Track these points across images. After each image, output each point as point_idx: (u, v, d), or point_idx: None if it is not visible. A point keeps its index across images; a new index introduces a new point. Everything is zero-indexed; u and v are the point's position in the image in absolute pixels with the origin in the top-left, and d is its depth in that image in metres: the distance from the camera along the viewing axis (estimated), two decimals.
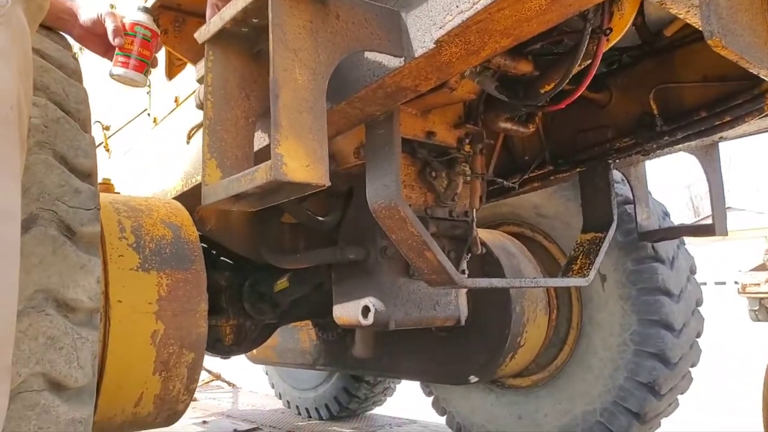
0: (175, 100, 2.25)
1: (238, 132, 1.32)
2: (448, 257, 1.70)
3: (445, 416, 3.33)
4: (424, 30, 1.19)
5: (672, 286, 2.53)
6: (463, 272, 1.99)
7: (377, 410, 4.54)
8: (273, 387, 4.79)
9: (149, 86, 2.44)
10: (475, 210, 2.01)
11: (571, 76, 1.50)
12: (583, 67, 1.52)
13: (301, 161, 1.10)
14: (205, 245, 2.35)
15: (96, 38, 1.53)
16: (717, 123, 1.89)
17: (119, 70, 1.49)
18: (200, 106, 1.70)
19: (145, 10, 1.55)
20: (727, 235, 2.27)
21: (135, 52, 1.49)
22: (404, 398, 4.65)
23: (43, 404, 1.08)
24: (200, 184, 2.04)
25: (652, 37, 1.98)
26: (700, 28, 1.05)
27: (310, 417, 4.40)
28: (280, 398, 4.74)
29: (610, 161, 2.21)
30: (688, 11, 1.16)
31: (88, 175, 1.31)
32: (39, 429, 1.08)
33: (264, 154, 1.45)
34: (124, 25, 1.50)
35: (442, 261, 1.60)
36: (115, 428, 1.90)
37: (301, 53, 1.13)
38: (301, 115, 1.11)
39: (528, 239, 2.93)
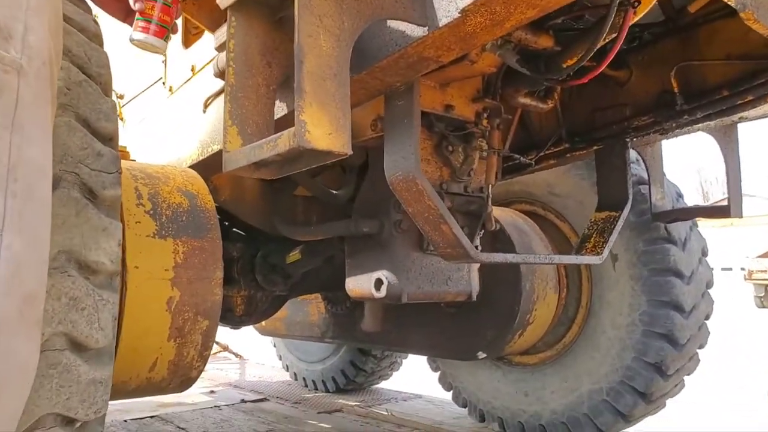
0: (192, 69, 2.24)
1: (259, 99, 1.32)
2: None
3: (451, 391, 3.37)
4: None
5: (683, 268, 2.52)
6: (476, 247, 1.99)
7: (383, 384, 4.60)
8: (280, 359, 4.86)
9: (165, 55, 2.43)
10: (490, 186, 2.00)
11: (595, 50, 1.48)
12: (606, 42, 1.50)
13: (324, 129, 1.10)
14: (218, 216, 2.36)
15: (116, 2, 1.52)
16: (738, 102, 1.87)
17: (140, 35, 1.49)
18: (218, 75, 1.69)
19: None
20: (742, 217, 2.26)
21: (156, 18, 1.48)
22: (409, 374, 4.71)
23: (65, 363, 1.09)
24: (216, 153, 2.07)
25: (675, 13, 1.95)
26: (731, 3, 1.03)
27: (316, 389, 4.47)
28: (287, 370, 4.81)
29: (627, 140, 2.19)
30: None
31: (109, 138, 1.31)
32: (60, 387, 1.10)
33: (283, 123, 1.45)
34: None
35: (458, 235, 1.60)
36: (129, 392, 1.94)
37: (326, 19, 1.12)
38: (324, 83, 1.11)
39: (540, 218, 2.92)
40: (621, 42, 1.44)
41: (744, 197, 2.36)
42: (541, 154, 2.39)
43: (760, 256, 16.57)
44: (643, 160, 2.44)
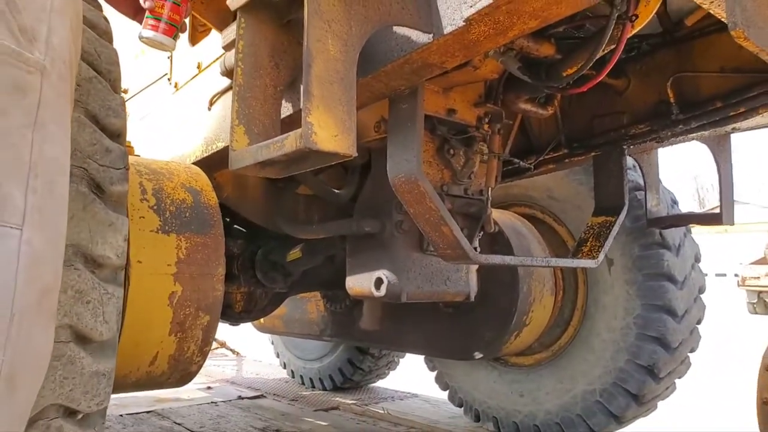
0: (198, 66, 2.27)
1: (266, 100, 1.35)
2: None
3: (447, 391, 3.41)
4: (455, 8, 1.21)
5: (677, 273, 2.57)
6: (475, 249, 2.03)
7: (380, 383, 4.63)
8: (278, 356, 4.88)
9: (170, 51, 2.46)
10: (490, 189, 2.04)
11: (594, 60, 1.52)
12: (606, 52, 1.54)
13: (330, 131, 1.13)
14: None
15: (126, 0, 1.55)
16: (731, 114, 1.92)
17: (149, 33, 1.51)
18: (225, 73, 1.72)
19: None
20: (733, 224, 2.30)
21: (165, 16, 1.50)
22: (406, 373, 4.74)
23: (69, 355, 1.11)
24: (220, 150, 2.09)
25: (672, 25, 2.00)
26: (724, 20, 1.07)
27: (313, 387, 4.49)
28: (284, 368, 4.84)
29: (624, 147, 2.23)
30: (713, 2, 1.18)
31: (118, 135, 1.33)
32: (64, 379, 1.11)
33: (288, 123, 1.48)
34: None
35: (458, 236, 1.63)
36: (129, 386, 1.95)
37: (335, 25, 1.15)
38: (332, 86, 1.14)
39: (538, 221, 2.96)
40: (619, 53, 1.48)
41: (738, 205, 2.40)
42: (541, 158, 2.42)
43: (753, 263, 16.65)
44: (640, 167, 2.49)
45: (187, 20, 2.25)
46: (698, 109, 1.98)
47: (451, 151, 1.92)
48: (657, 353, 2.52)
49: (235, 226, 2.85)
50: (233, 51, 1.47)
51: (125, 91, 3.03)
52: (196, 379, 2.14)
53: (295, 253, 2.62)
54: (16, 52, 0.70)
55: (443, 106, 1.84)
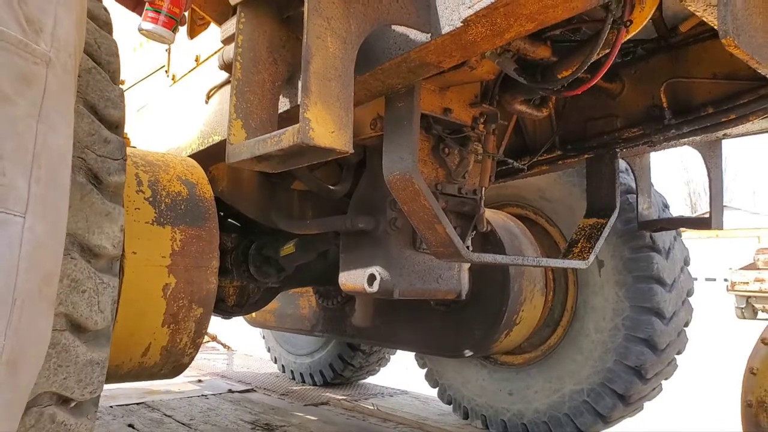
0: (196, 59, 2.27)
1: (264, 95, 1.36)
2: None
3: (436, 388, 3.43)
4: (453, 8, 1.22)
5: (666, 276, 2.60)
6: (467, 248, 2.05)
7: (370, 379, 4.65)
8: (269, 351, 4.89)
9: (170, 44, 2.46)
10: (484, 188, 2.06)
11: (589, 64, 1.54)
12: (600, 56, 1.56)
13: (327, 127, 1.14)
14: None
15: None
16: (723, 120, 1.94)
17: (148, 25, 1.52)
18: (223, 67, 1.73)
19: None
20: (722, 228, 2.34)
21: (165, 9, 1.51)
22: (396, 371, 4.77)
23: (63, 343, 1.12)
24: (216, 143, 2.10)
25: (667, 31, 2.02)
26: (716, 27, 1.09)
27: (303, 382, 4.51)
28: (275, 362, 4.85)
29: (617, 150, 2.26)
30: (706, 9, 1.20)
31: (116, 126, 1.34)
32: (58, 367, 1.12)
33: (285, 118, 1.49)
34: None
35: (451, 235, 1.65)
36: (121, 376, 1.96)
37: (334, 22, 1.17)
38: (330, 83, 1.15)
39: (530, 221, 2.99)
40: (613, 58, 1.50)
41: (730, 210, 2.44)
42: (534, 159, 2.45)
43: (742, 269, 16.81)
44: (632, 171, 2.52)
45: (186, 13, 2.26)
46: (690, 115, 2.01)
47: (446, 150, 1.94)
48: (644, 354, 2.55)
49: (229, 220, 2.86)
50: (232, 45, 1.48)
51: (122, 82, 3.03)
52: (186, 372, 2.15)
53: (288, 248, 2.63)
54: (22, 42, 0.71)
55: (439, 105, 1.86)
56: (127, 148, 2.15)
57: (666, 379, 2.77)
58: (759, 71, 1.14)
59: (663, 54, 2.08)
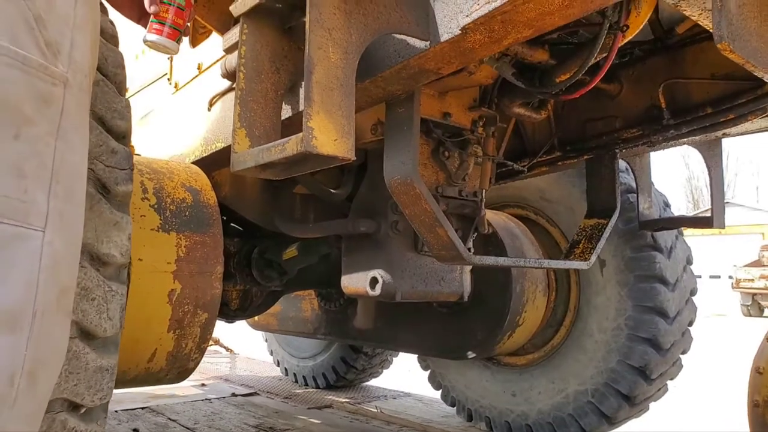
0: (198, 67, 2.30)
1: (267, 104, 1.38)
2: None
3: (440, 390, 3.44)
4: (451, 17, 1.25)
5: (668, 275, 2.61)
6: (469, 250, 2.07)
7: (373, 382, 4.67)
8: (272, 354, 4.91)
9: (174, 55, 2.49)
10: (484, 190, 2.08)
11: (586, 68, 1.56)
12: (598, 59, 1.58)
13: (329, 135, 1.17)
14: None
15: (130, 5, 1.58)
16: (721, 120, 1.96)
17: (153, 37, 1.54)
18: (225, 75, 1.76)
19: None
20: (724, 228, 2.35)
21: (169, 21, 1.53)
22: (399, 373, 4.78)
23: (74, 350, 1.14)
24: (219, 150, 2.13)
25: (664, 33, 2.04)
26: (712, 31, 1.11)
27: (306, 385, 4.52)
28: (278, 366, 4.86)
29: (616, 151, 2.27)
30: (701, 14, 1.22)
31: (123, 136, 1.36)
32: (69, 374, 1.14)
33: (288, 125, 1.52)
34: None
35: (453, 238, 1.67)
36: (127, 382, 1.98)
37: (335, 33, 1.19)
38: (332, 92, 1.17)
39: (531, 222, 3.00)
40: (611, 62, 1.52)
41: (733, 206, 2.45)
42: (534, 161, 2.47)
43: (747, 266, 16.79)
44: (632, 170, 2.53)
45: (189, 24, 2.29)
46: (689, 115, 2.02)
47: (446, 154, 1.96)
48: (648, 354, 2.56)
49: (232, 224, 2.89)
50: (234, 54, 1.51)
51: (126, 91, 3.05)
52: (190, 376, 2.18)
53: (291, 252, 2.66)
54: (42, 65, 0.74)
55: (439, 109, 1.88)
56: (133, 157, 2.19)
57: (671, 379, 2.77)
58: (756, 74, 1.15)
59: (661, 55, 2.10)
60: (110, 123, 1.32)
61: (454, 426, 3.30)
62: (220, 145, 2.12)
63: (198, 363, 2.06)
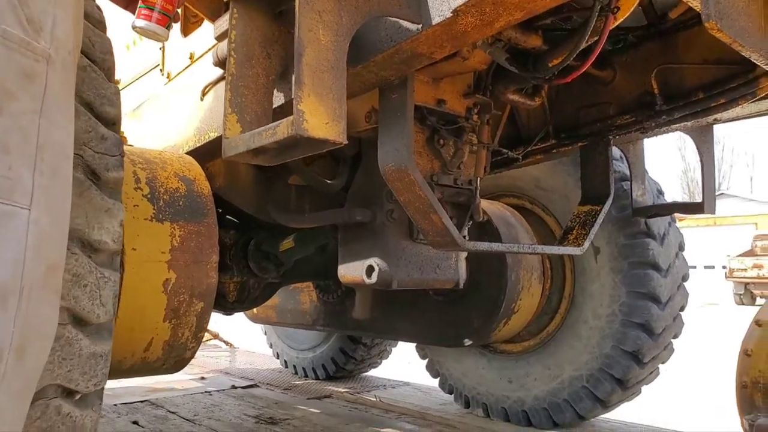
0: (190, 57, 2.29)
1: (258, 89, 1.38)
2: None
3: (437, 378, 3.46)
4: None
5: (661, 261, 2.63)
6: (464, 237, 2.07)
7: (372, 372, 4.68)
8: (271, 347, 4.92)
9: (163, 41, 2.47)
10: (479, 178, 2.08)
11: (578, 51, 1.56)
12: (590, 43, 1.58)
13: (321, 118, 1.16)
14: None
15: None
16: (713, 105, 1.96)
17: (142, 23, 1.53)
18: (217, 63, 1.74)
19: None
20: (714, 213, 2.36)
21: (158, 6, 1.52)
22: (398, 363, 4.79)
23: (67, 337, 1.14)
24: (213, 140, 2.12)
25: (657, 18, 2.04)
26: (698, 9, 1.11)
27: (306, 376, 4.54)
28: (277, 358, 4.87)
29: (610, 137, 2.28)
30: None
31: (112, 123, 1.35)
32: (63, 360, 1.13)
33: (280, 112, 1.51)
34: None
35: (447, 224, 1.67)
36: (124, 372, 1.98)
37: (325, 15, 1.18)
38: (322, 75, 1.17)
39: (527, 211, 3.01)
40: (602, 45, 1.52)
41: (728, 197, 2.46)
42: (529, 149, 2.47)
43: (740, 255, 16.89)
44: (626, 158, 2.54)
45: (179, 10, 2.28)
46: (681, 100, 2.03)
47: (441, 141, 1.96)
48: (641, 339, 2.58)
49: (228, 216, 2.88)
50: (226, 41, 1.50)
51: (117, 82, 3.03)
52: (189, 370, 2.18)
53: (287, 243, 2.65)
54: (24, 41, 0.73)
55: (433, 96, 1.88)
56: (125, 147, 2.18)
57: (663, 363, 2.80)
58: (743, 54, 1.15)
59: (653, 41, 2.10)
60: (99, 109, 1.30)
61: (451, 413, 3.31)
62: (213, 135, 2.11)
63: (195, 352, 2.05)
